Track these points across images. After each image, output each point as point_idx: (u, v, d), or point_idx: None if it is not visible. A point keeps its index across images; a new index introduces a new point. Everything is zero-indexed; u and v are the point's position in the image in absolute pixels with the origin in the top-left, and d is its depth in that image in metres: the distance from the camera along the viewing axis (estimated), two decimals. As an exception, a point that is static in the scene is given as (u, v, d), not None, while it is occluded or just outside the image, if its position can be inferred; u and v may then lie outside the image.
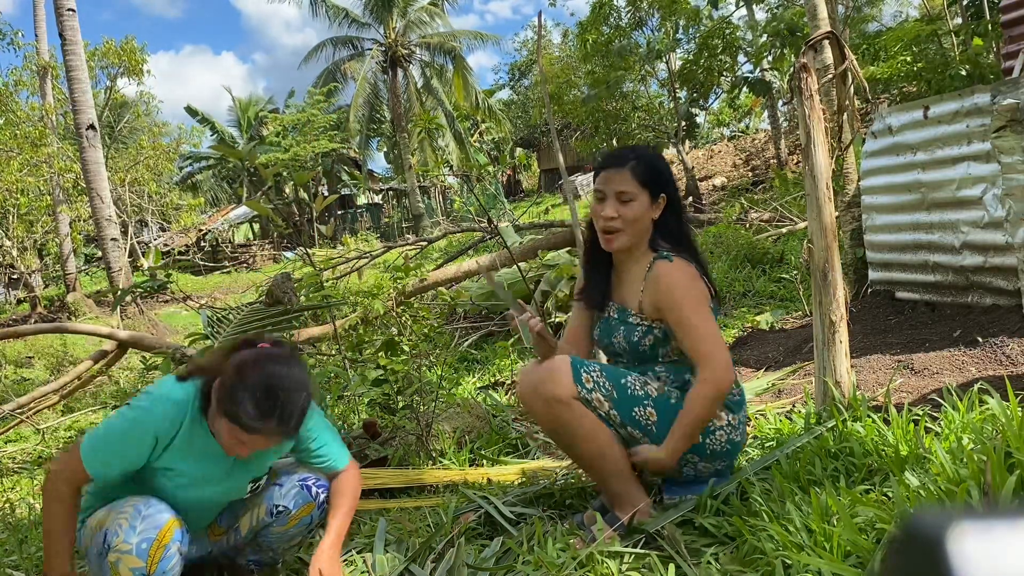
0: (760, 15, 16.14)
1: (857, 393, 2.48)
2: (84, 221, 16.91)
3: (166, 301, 16.51)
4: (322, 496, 2.04)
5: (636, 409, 1.95)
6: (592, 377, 1.95)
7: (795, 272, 6.17)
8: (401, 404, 3.46)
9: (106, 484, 1.83)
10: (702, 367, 1.90)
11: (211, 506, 1.98)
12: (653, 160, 2.08)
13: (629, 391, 1.96)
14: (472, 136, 31.55)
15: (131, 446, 1.76)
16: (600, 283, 2.17)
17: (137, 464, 1.78)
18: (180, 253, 23.17)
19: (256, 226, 33.33)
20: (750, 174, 19.57)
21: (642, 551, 1.82)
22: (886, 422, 2.15)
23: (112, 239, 13.23)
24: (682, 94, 15.53)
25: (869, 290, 4.94)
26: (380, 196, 35.75)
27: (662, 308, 1.97)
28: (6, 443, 5.59)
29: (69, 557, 1.77)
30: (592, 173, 2.35)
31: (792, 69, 2.63)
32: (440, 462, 3.02)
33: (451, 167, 30.72)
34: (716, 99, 17.26)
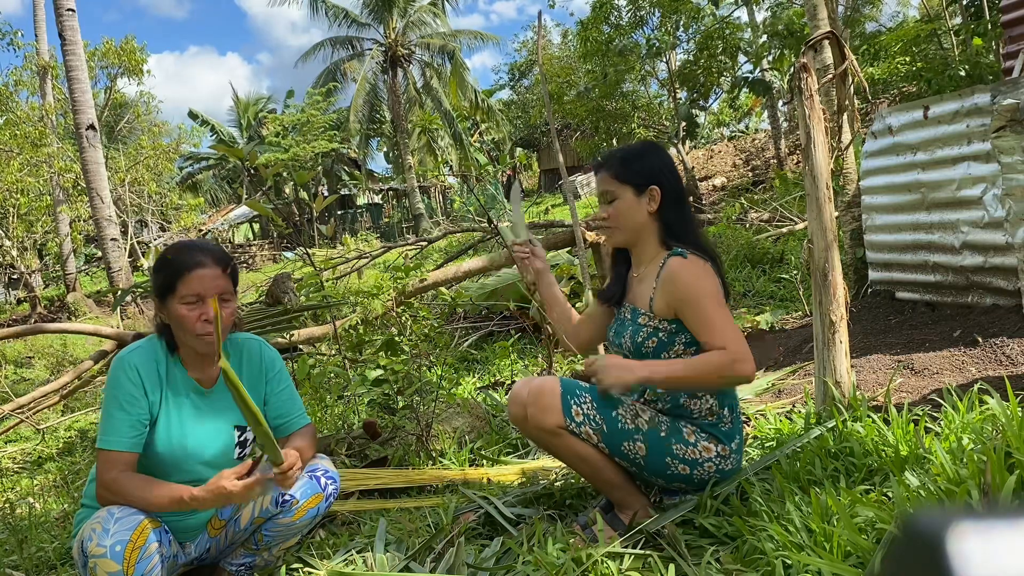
0: (760, 16, 16.14)
1: (857, 393, 2.48)
2: (84, 221, 16.91)
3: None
4: (331, 488, 2.04)
5: (625, 443, 1.94)
6: (582, 410, 1.94)
7: (795, 272, 6.17)
8: (401, 404, 3.46)
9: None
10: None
11: (202, 463, 1.94)
12: (633, 154, 2.04)
13: (620, 424, 1.94)
14: (472, 136, 31.55)
15: (124, 394, 1.81)
16: (619, 281, 2.18)
17: (143, 406, 1.83)
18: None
19: (256, 226, 33.33)
20: (750, 174, 19.56)
21: (642, 551, 1.82)
22: (886, 422, 2.15)
23: (112, 239, 13.23)
24: (682, 94, 15.53)
25: (869, 290, 4.94)
26: (380, 196, 35.74)
27: (676, 305, 1.93)
28: (6, 443, 5.60)
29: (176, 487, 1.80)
30: (592, 173, 2.36)
31: (792, 69, 2.63)
32: (440, 462, 3.02)
33: (451, 167, 30.72)
34: (716, 99, 17.27)
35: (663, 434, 1.95)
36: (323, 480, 2.02)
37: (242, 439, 2.01)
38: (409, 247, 10.67)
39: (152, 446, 1.85)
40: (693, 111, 15.59)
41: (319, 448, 2.25)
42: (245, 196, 32.11)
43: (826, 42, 3.02)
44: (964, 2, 11.16)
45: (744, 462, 2.21)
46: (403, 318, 4.37)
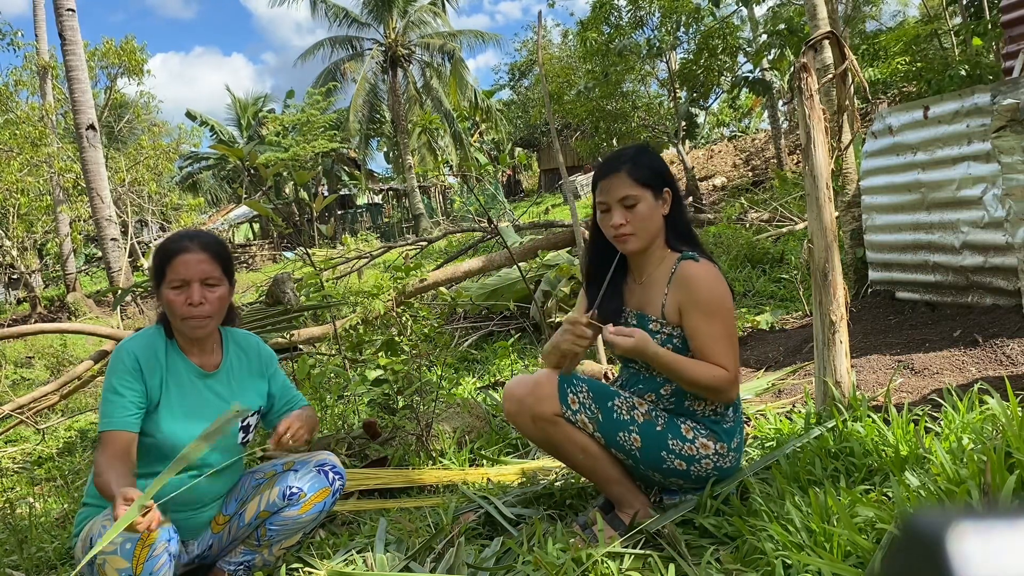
0: (759, 11, 16.15)
1: (857, 393, 2.48)
2: (84, 221, 16.91)
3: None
4: (337, 483, 2.05)
5: (621, 434, 1.95)
6: (578, 398, 1.95)
7: (795, 272, 6.17)
8: (401, 404, 3.46)
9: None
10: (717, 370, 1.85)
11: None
12: (647, 158, 2.01)
13: (615, 415, 1.94)
14: (472, 136, 31.53)
15: (119, 378, 1.84)
16: (615, 293, 2.09)
17: (139, 389, 1.86)
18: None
19: (256, 226, 33.32)
20: (750, 174, 19.55)
21: (642, 551, 1.82)
22: (886, 422, 2.15)
23: (112, 239, 13.23)
24: (682, 94, 15.52)
25: (869, 290, 4.94)
26: (380, 196, 35.73)
27: (685, 308, 1.91)
28: (6, 443, 5.59)
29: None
30: (592, 174, 2.33)
31: (792, 69, 2.63)
32: (440, 462, 3.02)
33: (451, 167, 30.72)
34: (716, 99, 17.25)
35: (659, 428, 1.95)
36: (331, 475, 2.04)
37: (245, 423, 2.02)
38: (409, 247, 10.68)
39: (157, 430, 1.88)
40: (693, 111, 15.58)
41: (319, 447, 2.27)
42: (245, 196, 32.09)
43: (826, 42, 3.02)
44: (964, 2, 11.17)
45: (744, 462, 2.21)
46: (403, 318, 4.37)
